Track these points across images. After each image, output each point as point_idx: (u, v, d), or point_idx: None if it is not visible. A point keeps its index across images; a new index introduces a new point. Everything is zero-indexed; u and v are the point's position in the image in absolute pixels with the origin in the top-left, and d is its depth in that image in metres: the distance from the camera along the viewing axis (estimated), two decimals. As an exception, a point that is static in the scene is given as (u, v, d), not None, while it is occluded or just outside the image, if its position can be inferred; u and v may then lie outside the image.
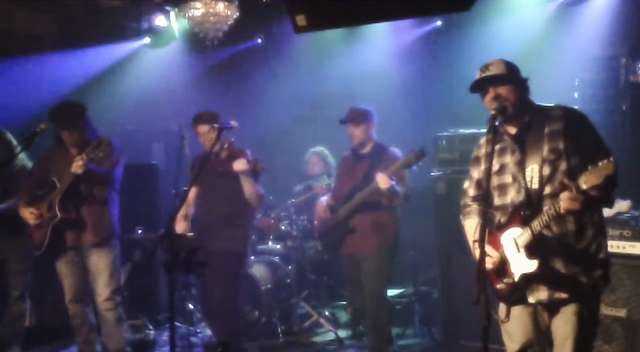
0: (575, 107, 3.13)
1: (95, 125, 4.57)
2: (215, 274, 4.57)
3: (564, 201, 2.65)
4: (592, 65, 5.67)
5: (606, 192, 2.70)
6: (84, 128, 4.46)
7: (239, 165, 4.62)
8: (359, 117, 4.80)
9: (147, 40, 7.26)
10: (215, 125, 4.55)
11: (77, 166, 4.24)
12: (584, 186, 2.56)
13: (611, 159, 2.53)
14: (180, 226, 4.78)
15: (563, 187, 2.73)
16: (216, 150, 4.74)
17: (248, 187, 4.70)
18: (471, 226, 3.22)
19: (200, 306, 5.30)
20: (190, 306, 5.92)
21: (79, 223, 4.45)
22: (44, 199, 4.43)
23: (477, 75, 3.01)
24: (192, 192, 4.83)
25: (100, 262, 4.49)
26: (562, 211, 2.68)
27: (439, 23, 7.06)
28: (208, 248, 4.43)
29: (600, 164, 2.53)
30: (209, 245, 4.51)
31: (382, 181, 4.42)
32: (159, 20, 7.00)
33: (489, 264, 2.95)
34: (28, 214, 4.43)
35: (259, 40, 7.85)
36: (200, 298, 5.16)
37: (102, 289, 4.50)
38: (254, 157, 4.76)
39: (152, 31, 7.10)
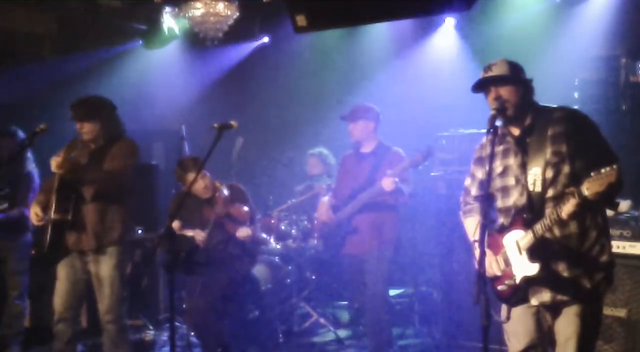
0: (576, 107, 3.12)
1: (122, 126, 4.38)
2: (215, 289, 4.68)
3: (566, 208, 2.64)
4: (592, 65, 5.67)
5: (609, 197, 2.68)
6: (99, 122, 4.23)
7: (244, 235, 4.74)
8: (357, 113, 4.80)
9: (147, 40, 7.25)
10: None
11: (53, 165, 4.02)
12: (586, 193, 2.55)
13: (614, 166, 2.51)
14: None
15: (565, 191, 2.72)
16: (209, 196, 4.83)
17: (244, 236, 4.80)
18: (472, 224, 3.21)
19: (188, 316, 5.00)
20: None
21: (77, 226, 4.18)
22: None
23: (481, 74, 3.01)
24: (176, 224, 4.73)
25: (100, 270, 4.20)
26: (564, 216, 2.68)
27: (453, 20, 7.02)
28: (215, 266, 4.56)
29: (603, 171, 2.51)
30: (216, 263, 4.63)
31: (387, 183, 4.42)
32: (159, 20, 6.99)
33: (496, 270, 2.95)
34: (33, 214, 4.22)
35: (266, 39, 7.85)
36: (189, 308, 4.92)
37: (102, 300, 4.22)
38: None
39: (152, 31, 7.10)
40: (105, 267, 4.21)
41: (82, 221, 4.19)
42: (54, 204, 4.13)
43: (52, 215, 4.12)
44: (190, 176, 4.57)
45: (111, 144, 4.30)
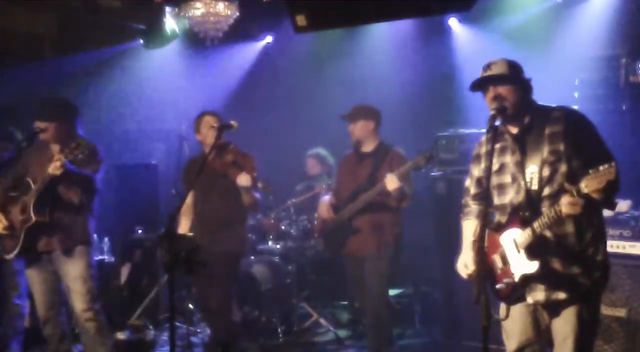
0: (575, 107, 3.13)
1: (80, 131, 4.35)
2: (213, 274, 4.53)
3: (565, 206, 2.64)
4: (592, 65, 5.67)
5: (607, 196, 2.68)
6: (66, 123, 4.25)
7: (244, 181, 4.48)
8: (357, 113, 4.80)
9: (147, 40, 7.25)
10: (215, 125, 4.50)
11: (55, 167, 3.95)
12: (585, 190, 2.56)
13: (612, 164, 2.52)
14: (183, 226, 4.79)
15: (563, 190, 2.73)
16: (215, 149, 4.57)
17: (247, 198, 4.64)
18: (469, 227, 3.23)
19: (199, 306, 5.26)
20: (190, 306, 5.92)
21: (52, 227, 4.20)
22: (18, 201, 4.23)
23: (480, 73, 3.01)
24: (191, 196, 4.70)
25: (71, 271, 4.26)
26: (563, 215, 2.69)
27: (454, 20, 7.00)
28: (206, 249, 4.38)
29: (601, 168, 2.52)
30: (206, 246, 4.44)
31: (392, 182, 4.41)
32: (159, 20, 6.99)
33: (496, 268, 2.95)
34: None
35: (270, 39, 7.84)
36: (199, 298, 5.11)
37: (78, 300, 4.27)
38: (257, 172, 4.65)
39: (153, 31, 7.09)
40: (77, 267, 4.26)
41: (53, 222, 4.21)
42: (32, 207, 4.12)
43: (33, 217, 4.12)
44: (209, 118, 4.65)
45: (78, 147, 4.19)
